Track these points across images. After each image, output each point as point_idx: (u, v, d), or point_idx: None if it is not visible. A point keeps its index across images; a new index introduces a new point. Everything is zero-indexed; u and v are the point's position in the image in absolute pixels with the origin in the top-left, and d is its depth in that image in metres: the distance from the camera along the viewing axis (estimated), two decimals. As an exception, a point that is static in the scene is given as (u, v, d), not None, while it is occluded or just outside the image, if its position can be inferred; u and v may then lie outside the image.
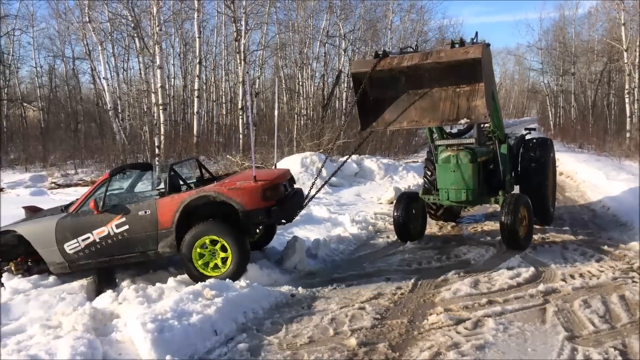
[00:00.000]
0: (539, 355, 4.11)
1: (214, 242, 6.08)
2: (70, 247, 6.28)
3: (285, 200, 6.51)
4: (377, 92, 7.07)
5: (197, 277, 6.00)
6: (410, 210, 8.13)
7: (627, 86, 24.38)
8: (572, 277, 6.03)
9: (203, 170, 7.44)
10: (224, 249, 6.06)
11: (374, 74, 6.82)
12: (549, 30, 39.72)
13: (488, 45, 6.57)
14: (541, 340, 4.36)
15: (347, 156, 8.85)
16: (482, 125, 8.49)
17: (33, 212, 7.08)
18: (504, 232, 7.24)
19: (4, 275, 6.39)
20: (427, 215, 8.92)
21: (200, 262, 6.10)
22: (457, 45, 6.44)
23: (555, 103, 40.08)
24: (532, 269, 6.30)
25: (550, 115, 39.74)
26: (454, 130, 8.76)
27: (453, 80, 6.60)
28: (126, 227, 6.19)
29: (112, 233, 6.21)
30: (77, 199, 6.82)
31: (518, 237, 7.24)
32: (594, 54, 33.89)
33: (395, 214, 8.11)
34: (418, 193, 8.60)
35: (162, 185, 6.78)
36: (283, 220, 6.76)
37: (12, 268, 6.43)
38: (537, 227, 8.34)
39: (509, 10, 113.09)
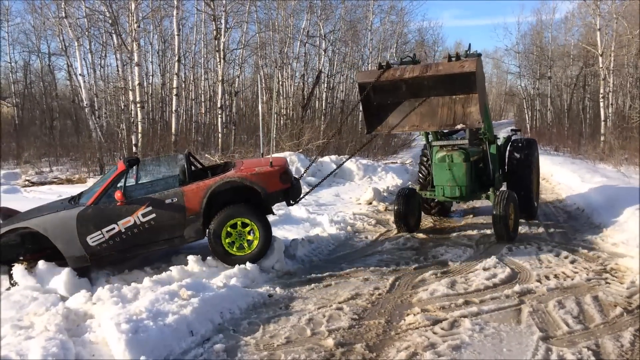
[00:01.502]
0: (514, 355, 4.15)
1: (244, 225, 6.53)
2: (93, 239, 6.28)
3: (294, 183, 7.10)
4: (380, 98, 7.77)
5: (222, 254, 6.51)
6: (409, 204, 8.81)
7: (601, 90, 24.82)
8: (547, 278, 6.11)
9: (196, 163, 7.55)
10: (251, 232, 6.56)
11: (378, 83, 7.50)
12: (526, 34, 40.27)
13: (479, 55, 7.47)
14: (516, 341, 4.41)
15: (348, 156, 10.07)
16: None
17: (8, 216, 6.82)
18: (497, 225, 7.87)
19: (18, 270, 6.16)
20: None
21: (227, 241, 6.50)
22: (454, 59, 7.13)
23: (532, 106, 40.63)
24: (508, 269, 6.37)
25: (527, 118, 40.27)
26: (445, 130, 9.09)
27: (450, 89, 7.29)
28: (153, 215, 6.37)
29: (138, 222, 6.35)
30: (86, 192, 6.97)
31: (509, 230, 7.88)
32: (570, 58, 34.48)
33: (395, 207, 8.82)
34: (415, 189, 9.27)
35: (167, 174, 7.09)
36: (292, 202, 7.23)
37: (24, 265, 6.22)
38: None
39: (488, 14, 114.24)
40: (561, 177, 14.63)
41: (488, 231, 8.83)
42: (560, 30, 36.84)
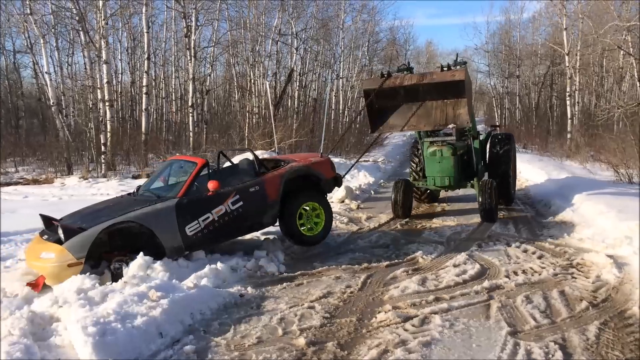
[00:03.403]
0: (483, 350, 4.20)
1: (313, 209, 7.46)
2: (190, 228, 6.47)
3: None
4: (381, 102, 8.97)
5: (297, 235, 7.33)
6: (405, 193, 9.93)
7: (568, 89, 25.37)
8: (516, 273, 6.21)
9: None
10: (317, 215, 7.49)
11: (380, 89, 8.73)
12: (495, 34, 40.94)
13: (465, 63, 8.96)
14: (485, 336, 4.47)
15: (359, 156, 11.67)
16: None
17: (49, 221, 6.51)
18: (483, 210, 9.19)
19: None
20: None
21: (299, 222, 7.29)
22: (445, 69, 8.46)
23: (501, 104, 41.33)
24: (477, 266, 6.46)
25: (496, 117, 40.93)
26: (439, 129, 10.12)
27: (442, 94, 8.57)
28: (241, 203, 6.82)
29: (229, 210, 6.74)
30: (144, 186, 7.38)
31: (493, 213, 9.21)
32: (538, 57, 35.13)
33: (393, 196, 9.92)
34: (408, 180, 10.41)
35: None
36: (337, 187, 8.36)
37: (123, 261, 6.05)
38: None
39: (458, 13, 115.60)
40: (529, 174, 14.93)
41: (459, 228, 8.96)
42: (528, 30, 37.59)
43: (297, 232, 7.31)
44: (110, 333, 4.21)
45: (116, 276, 5.89)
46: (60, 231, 5.89)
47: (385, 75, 8.81)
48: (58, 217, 6.72)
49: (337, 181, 8.08)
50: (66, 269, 5.72)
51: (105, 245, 6.11)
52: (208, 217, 6.58)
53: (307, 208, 7.45)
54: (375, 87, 8.79)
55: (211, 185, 6.57)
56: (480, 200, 9.24)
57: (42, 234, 6.47)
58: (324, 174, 7.69)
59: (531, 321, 4.74)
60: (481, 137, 10.75)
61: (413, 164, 11.10)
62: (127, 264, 5.92)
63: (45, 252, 5.91)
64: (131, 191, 7.62)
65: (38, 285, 5.83)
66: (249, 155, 8.58)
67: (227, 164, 8.87)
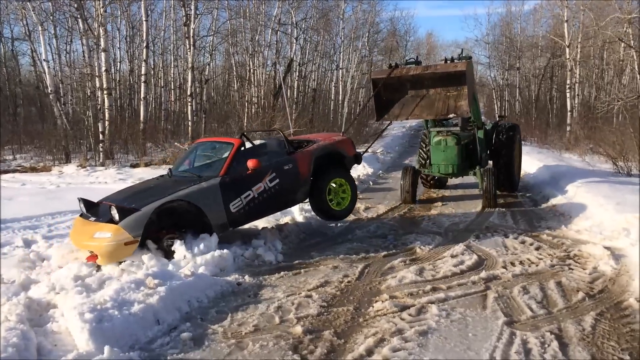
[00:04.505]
0: (479, 339, 4.21)
1: (340, 185, 7.81)
2: (234, 205, 6.69)
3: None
4: (388, 93, 9.35)
5: (327, 209, 7.72)
6: (412, 179, 10.51)
7: (568, 81, 25.29)
8: (513, 264, 6.22)
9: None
10: (344, 191, 7.85)
11: (388, 80, 9.10)
12: (496, 25, 40.80)
13: (470, 58, 9.35)
14: (482, 326, 4.47)
15: (368, 145, 12.22)
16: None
17: (89, 203, 6.73)
18: (486, 196, 9.74)
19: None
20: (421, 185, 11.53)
21: (328, 197, 7.63)
22: (449, 61, 8.93)
23: (500, 96, 41.23)
24: (475, 256, 6.47)
25: (495, 108, 40.85)
26: (440, 118, 10.45)
27: (445, 85, 8.93)
28: (277, 180, 7.08)
29: (267, 187, 6.99)
30: (174, 167, 7.62)
31: (495, 199, 9.78)
32: (538, 49, 35.02)
33: (402, 182, 10.54)
34: (416, 167, 10.95)
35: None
36: (357, 164, 8.76)
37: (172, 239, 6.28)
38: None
39: (459, 5, 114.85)
40: (528, 166, 14.88)
41: (457, 219, 8.96)
42: (529, 22, 37.50)
43: (327, 207, 7.67)
44: (107, 320, 4.21)
45: (169, 253, 6.14)
46: (114, 211, 6.02)
47: (393, 66, 9.22)
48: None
49: (358, 159, 8.41)
50: (123, 247, 5.89)
51: (154, 224, 6.20)
52: (249, 195, 6.82)
53: (334, 184, 7.77)
54: (383, 77, 9.19)
55: (251, 163, 6.77)
56: (482, 187, 9.82)
57: (83, 217, 6.62)
58: (347, 152, 8.08)
59: (527, 311, 4.74)
60: (487, 127, 11.20)
61: (422, 152, 11.58)
62: (180, 241, 6.18)
63: (100, 232, 6.03)
64: (163, 173, 7.83)
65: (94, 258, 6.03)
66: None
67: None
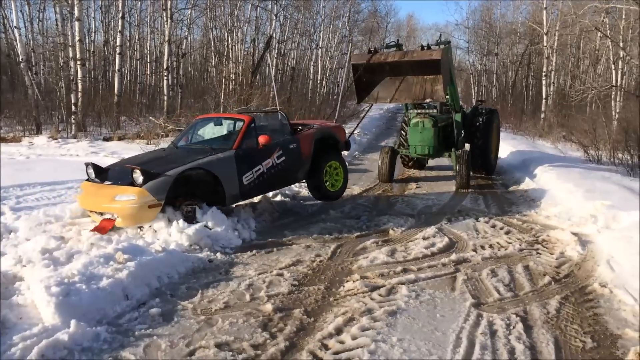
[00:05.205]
0: (447, 320, 4.27)
1: (334, 167, 8.28)
2: (246, 178, 6.96)
3: None
4: (368, 76, 9.60)
5: (324, 190, 8.15)
6: (390, 159, 10.89)
7: (544, 69, 25.54)
8: (483, 247, 6.31)
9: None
10: (337, 174, 8.35)
11: (367, 64, 9.38)
12: (476, 10, 40.85)
13: (449, 42, 9.81)
14: (450, 307, 4.54)
15: (352, 130, 11.60)
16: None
17: (98, 168, 6.72)
18: (460, 177, 10.06)
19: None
20: (401, 164, 12.08)
21: (324, 178, 8.09)
22: (425, 48, 9.27)
23: (478, 82, 41.47)
24: (446, 239, 6.54)
25: (472, 94, 41.08)
26: (417, 102, 10.81)
27: (422, 71, 9.21)
28: (284, 158, 7.47)
29: (274, 163, 7.35)
30: (177, 140, 7.86)
31: (468, 181, 10.11)
32: (517, 35, 35.21)
33: (380, 161, 10.94)
34: (394, 148, 11.32)
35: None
36: (347, 150, 9.16)
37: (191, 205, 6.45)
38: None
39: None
40: (501, 152, 15.04)
41: (430, 202, 9.04)
42: (509, 8, 37.58)
43: (323, 187, 8.12)
44: (74, 294, 4.15)
45: (189, 219, 6.27)
46: (138, 174, 6.07)
47: (373, 52, 9.49)
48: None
49: (347, 145, 8.91)
50: (147, 209, 6.00)
51: (174, 190, 6.24)
52: (259, 169, 7.13)
53: (329, 167, 8.21)
54: (363, 62, 9.44)
55: (262, 139, 7.07)
56: (456, 168, 10.14)
57: (92, 182, 6.63)
58: (341, 137, 8.62)
59: (495, 294, 4.83)
60: (467, 111, 11.60)
61: (403, 132, 11.95)
62: (199, 208, 6.43)
63: (122, 194, 6.06)
64: (165, 146, 8.12)
65: (104, 229, 5.98)
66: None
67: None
